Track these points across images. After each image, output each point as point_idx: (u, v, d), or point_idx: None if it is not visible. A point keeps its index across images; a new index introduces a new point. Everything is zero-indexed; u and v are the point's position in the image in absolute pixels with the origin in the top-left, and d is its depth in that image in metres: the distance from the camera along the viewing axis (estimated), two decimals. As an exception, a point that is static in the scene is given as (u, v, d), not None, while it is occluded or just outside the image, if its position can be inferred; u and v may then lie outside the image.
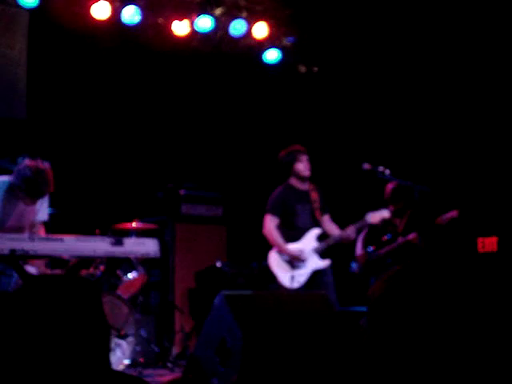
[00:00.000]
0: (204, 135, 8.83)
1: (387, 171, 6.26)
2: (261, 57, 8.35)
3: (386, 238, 6.74)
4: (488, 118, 7.70)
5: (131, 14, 7.49)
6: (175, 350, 7.08)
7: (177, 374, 6.21)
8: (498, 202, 7.53)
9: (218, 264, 7.48)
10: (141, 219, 7.15)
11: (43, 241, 5.38)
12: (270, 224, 6.27)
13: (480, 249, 7.20)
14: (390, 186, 6.91)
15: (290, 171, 6.32)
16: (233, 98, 8.83)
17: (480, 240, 7.32)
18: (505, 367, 1.45)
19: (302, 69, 8.56)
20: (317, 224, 6.30)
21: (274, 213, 6.28)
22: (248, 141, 8.99)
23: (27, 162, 5.43)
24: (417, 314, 1.48)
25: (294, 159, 6.27)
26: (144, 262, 6.82)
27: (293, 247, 6.19)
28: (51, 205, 6.02)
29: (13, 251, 4.91)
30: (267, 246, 8.51)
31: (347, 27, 8.18)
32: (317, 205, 6.30)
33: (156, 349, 6.85)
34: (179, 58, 8.21)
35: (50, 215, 5.99)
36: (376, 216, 6.18)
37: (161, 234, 7.40)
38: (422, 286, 1.51)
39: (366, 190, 7.28)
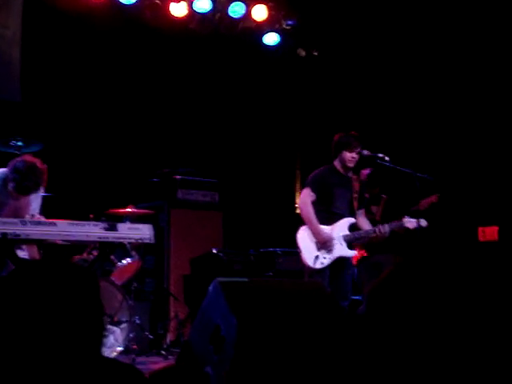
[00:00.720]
0: (201, 120, 8.72)
1: (387, 158, 6.18)
2: (260, 40, 8.25)
3: None
4: (487, 109, 7.61)
5: (128, -6, 7.37)
6: (169, 338, 6.99)
7: (171, 362, 6.13)
8: (499, 192, 7.46)
9: (214, 250, 7.38)
10: (135, 205, 7.04)
11: (35, 225, 5.29)
12: (307, 198, 6.08)
13: (481, 238, 7.13)
14: (364, 172, 6.84)
15: (337, 154, 6.16)
16: (231, 81, 8.72)
17: (481, 229, 7.26)
18: (505, 358, 1.41)
19: (302, 52, 8.46)
20: (352, 213, 6.16)
21: (313, 188, 6.09)
22: (246, 126, 8.89)
23: (26, 156, 5.35)
24: (417, 304, 1.44)
25: (346, 146, 6.09)
26: (138, 248, 6.72)
27: (324, 231, 6.05)
28: (46, 190, 5.93)
29: (4, 235, 4.83)
30: (263, 232, 8.47)
31: (347, 11, 8.08)
32: (356, 196, 6.17)
33: (150, 336, 6.77)
34: (177, 39, 8.10)
35: (44, 198, 5.89)
36: (413, 223, 6.07)
37: (156, 219, 7.30)
38: (422, 277, 1.47)
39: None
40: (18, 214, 5.41)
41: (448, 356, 1.42)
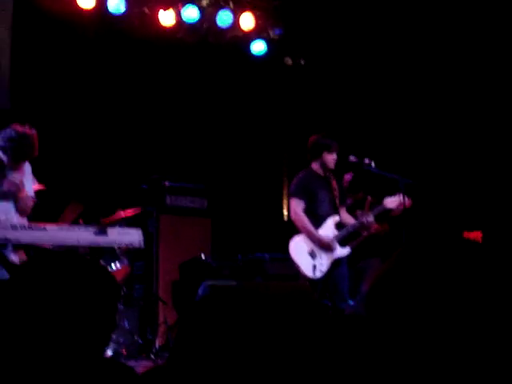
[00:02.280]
0: (189, 127, 8.77)
1: (373, 163, 6.25)
2: (247, 48, 8.31)
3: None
4: (473, 112, 7.71)
5: (117, 3, 7.45)
6: (158, 342, 7.02)
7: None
8: (483, 197, 7.55)
9: (203, 256, 7.43)
10: (124, 210, 7.08)
11: (26, 230, 5.34)
12: (297, 208, 6.06)
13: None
14: (347, 178, 6.90)
15: (317, 156, 6.19)
16: (219, 89, 8.79)
17: (465, 234, 7.35)
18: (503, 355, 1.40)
19: (289, 61, 8.54)
20: (336, 212, 6.17)
21: (300, 196, 6.08)
22: (233, 133, 8.96)
23: (15, 125, 5.39)
24: (422, 303, 1.42)
25: (327, 148, 6.11)
26: (127, 253, 6.77)
27: (323, 236, 6.02)
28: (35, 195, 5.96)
29: (-6, 239, 4.87)
30: (252, 238, 8.52)
31: (334, 20, 8.17)
32: (337, 193, 6.19)
33: (139, 341, 6.80)
34: (165, 48, 8.15)
35: (34, 204, 5.92)
36: (394, 201, 6.08)
37: (145, 225, 7.34)
38: (420, 275, 1.45)
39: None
40: (17, 187, 5.37)
41: (453, 355, 1.39)
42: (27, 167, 5.57)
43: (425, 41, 7.79)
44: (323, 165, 6.14)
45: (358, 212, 6.69)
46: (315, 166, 6.19)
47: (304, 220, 6.02)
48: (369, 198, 6.67)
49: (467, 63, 7.68)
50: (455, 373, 1.34)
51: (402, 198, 6.03)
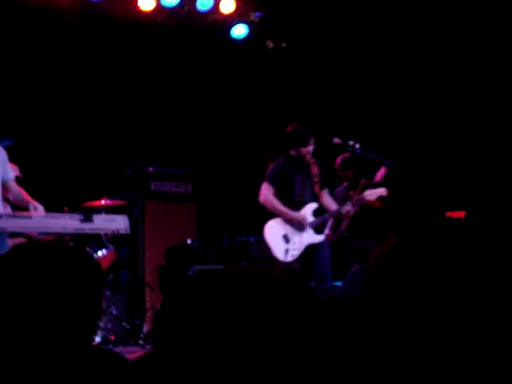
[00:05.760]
0: (172, 112, 8.74)
1: (357, 145, 6.28)
2: (228, 32, 8.28)
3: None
4: (453, 91, 7.74)
5: (96, -12, 7.36)
6: (146, 328, 7.04)
7: (149, 351, 6.17)
8: (467, 177, 7.60)
9: (189, 241, 7.44)
10: (109, 197, 7.07)
11: (11, 218, 5.30)
12: (267, 192, 6.17)
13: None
14: (338, 160, 6.98)
15: (294, 146, 6.21)
16: (200, 73, 8.75)
17: (448, 214, 7.40)
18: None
19: (270, 44, 8.51)
20: (315, 199, 6.24)
21: (271, 182, 6.19)
22: (217, 117, 8.94)
23: None
24: (423, 285, 1.41)
25: (303, 142, 6.15)
26: (113, 240, 6.76)
27: (294, 212, 6.10)
28: (18, 183, 5.92)
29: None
30: (237, 221, 8.53)
31: (315, 2, 8.14)
32: (317, 179, 6.24)
33: (127, 326, 6.81)
34: (145, 33, 8.09)
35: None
36: (373, 193, 6.17)
37: (130, 211, 7.33)
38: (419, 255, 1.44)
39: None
40: None
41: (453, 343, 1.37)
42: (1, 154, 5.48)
43: (405, 19, 7.80)
44: (300, 158, 6.21)
45: (351, 193, 6.75)
46: (294, 152, 6.24)
47: (273, 201, 6.13)
48: (362, 180, 6.72)
49: (443, 42, 7.70)
50: (451, 353, 1.35)
51: (381, 191, 6.18)
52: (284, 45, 8.56)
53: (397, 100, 8.09)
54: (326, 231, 6.73)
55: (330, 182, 6.53)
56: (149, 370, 1.75)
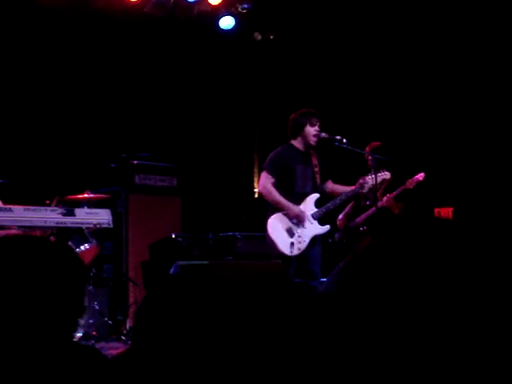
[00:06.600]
0: (158, 104, 8.65)
1: (344, 140, 6.19)
2: (216, 23, 8.20)
3: (365, 204, 6.70)
4: (443, 87, 7.70)
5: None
6: (129, 323, 6.95)
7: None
8: (455, 173, 7.57)
9: (173, 235, 7.35)
10: (92, 191, 6.95)
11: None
12: (267, 181, 5.98)
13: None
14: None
15: (299, 132, 6.07)
16: (187, 65, 8.66)
17: (436, 210, 7.37)
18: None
19: (258, 36, 8.44)
20: (316, 189, 6.10)
21: (271, 171, 6.00)
22: (203, 110, 8.85)
23: None
24: (395, 282, 1.41)
25: (307, 121, 6.03)
26: (96, 234, 6.66)
27: (294, 205, 5.94)
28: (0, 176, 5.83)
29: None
30: (222, 216, 8.46)
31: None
32: (317, 169, 6.11)
33: (109, 322, 6.73)
34: (131, 23, 8.00)
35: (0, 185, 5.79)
36: (378, 176, 6.04)
37: (114, 205, 7.23)
38: (398, 254, 1.44)
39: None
40: None
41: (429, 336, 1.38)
42: None
43: (394, 11, 7.74)
44: (304, 141, 6.07)
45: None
46: (295, 142, 6.11)
47: (272, 191, 5.96)
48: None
49: (437, 37, 7.65)
50: (424, 346, 1.34)
51: (386, 175, 6.13)
52: (271, 36, 8.49)
53: (385, 94, 8.04)
54: (340, 216, 6.63)
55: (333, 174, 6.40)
56: (127, 368, 1.71)
